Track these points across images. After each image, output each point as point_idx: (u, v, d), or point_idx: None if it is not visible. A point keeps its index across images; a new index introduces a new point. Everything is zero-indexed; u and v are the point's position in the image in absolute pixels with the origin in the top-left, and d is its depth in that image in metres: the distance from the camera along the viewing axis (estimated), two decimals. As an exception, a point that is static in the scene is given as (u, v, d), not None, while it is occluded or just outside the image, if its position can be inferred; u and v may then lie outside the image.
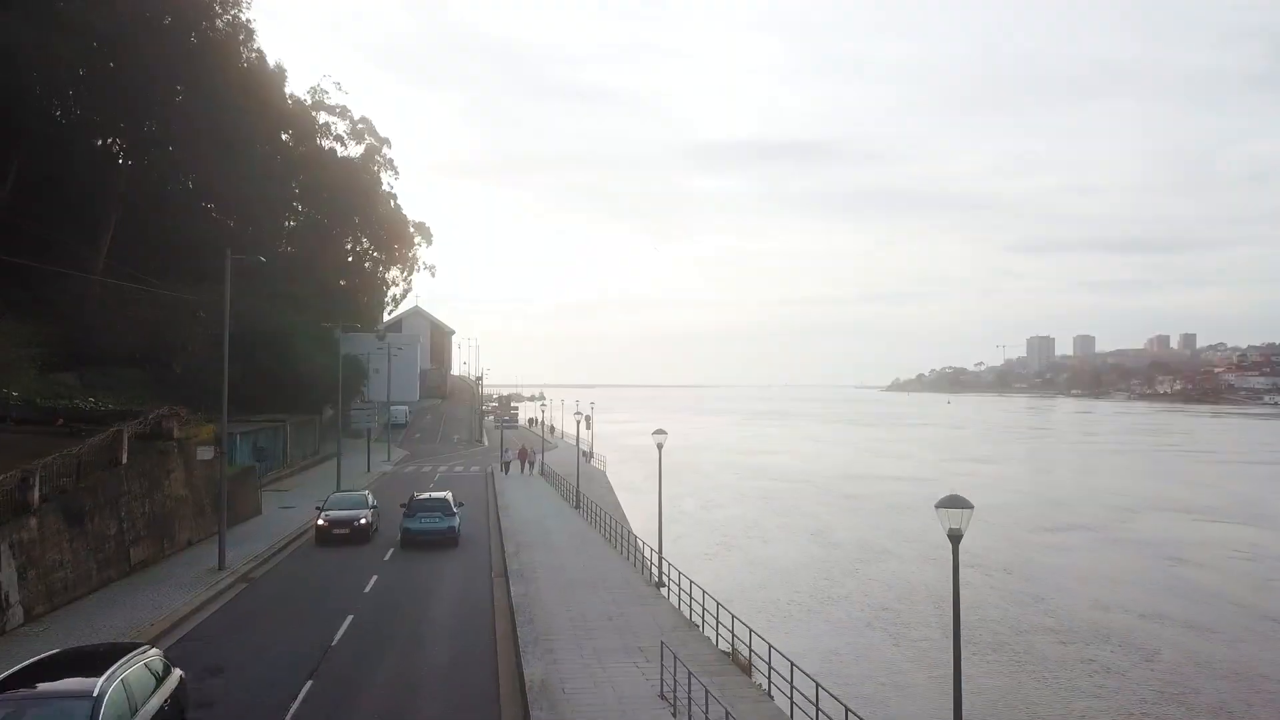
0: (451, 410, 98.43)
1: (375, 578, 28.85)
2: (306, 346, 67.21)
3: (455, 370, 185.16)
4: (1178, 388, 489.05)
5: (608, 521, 36.03)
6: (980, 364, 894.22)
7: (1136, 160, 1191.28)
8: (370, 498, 38.71)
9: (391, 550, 33.92)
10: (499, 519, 38.79)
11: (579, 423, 62.45)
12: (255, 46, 79.64)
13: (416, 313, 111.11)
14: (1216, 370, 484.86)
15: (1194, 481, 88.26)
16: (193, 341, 43.62)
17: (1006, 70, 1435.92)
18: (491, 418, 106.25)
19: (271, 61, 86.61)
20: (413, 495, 36.08)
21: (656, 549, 30.16)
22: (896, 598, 39.59)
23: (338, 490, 42.42)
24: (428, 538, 32.91)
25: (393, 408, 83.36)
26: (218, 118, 59.39)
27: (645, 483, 77.30)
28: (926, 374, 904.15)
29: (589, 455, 64.30)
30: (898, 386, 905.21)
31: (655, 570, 28.88)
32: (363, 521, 35.34)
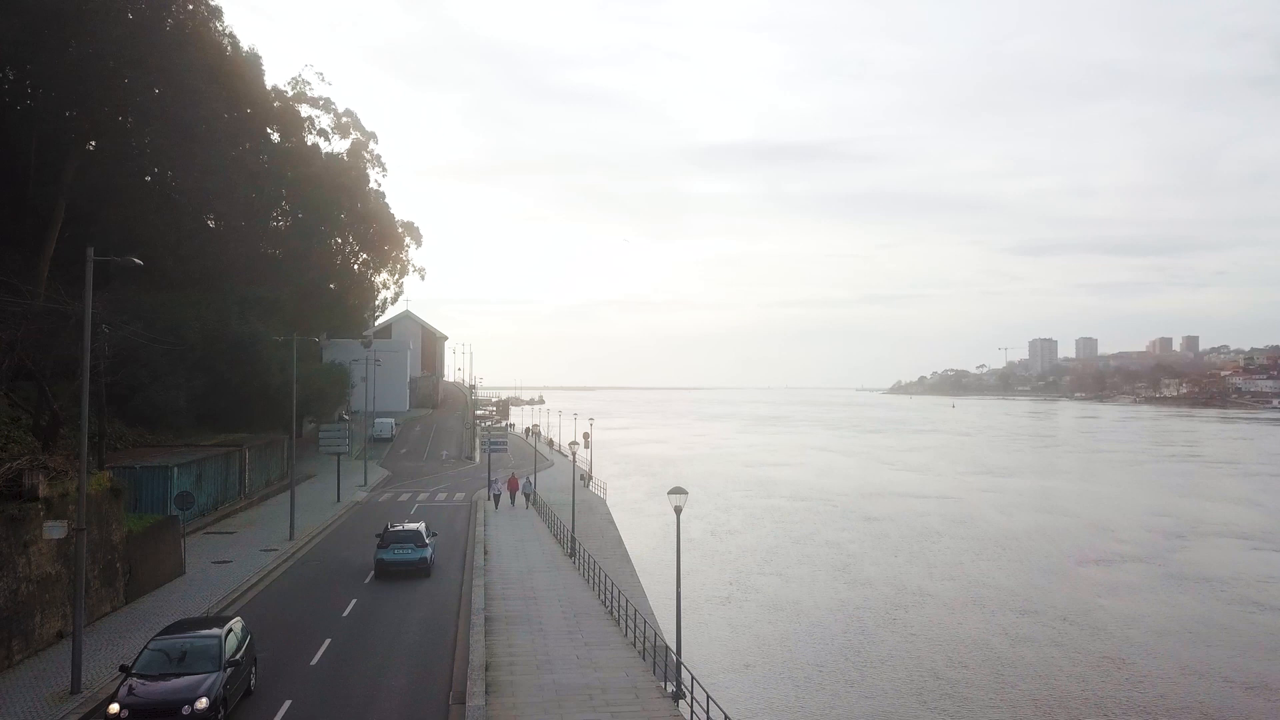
0: (443, 421, 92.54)
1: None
2: (280, 356, 61.37)
3: (449, 376, 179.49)
4: (1184, 391, 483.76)
5: (608, 583, 30.09)
6: (982, 366, 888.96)
7: (1137, 162, 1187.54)
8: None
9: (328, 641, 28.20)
10: (475, 577, 31.79)
11: (575, 449, 57.01)
12: (224, 29, 74.20)
13: (407, 317, 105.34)
14: (1223, 374, 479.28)
15: (1232, 498, 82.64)
16: (101, 358, 36.67)
17: (1007, 72, 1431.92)
18: (485, 423, 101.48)
19: (245, 46, 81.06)
20: (387, 525, 35.93)
21: (671, 642, 24.44)
22: (946, 660, 33.87)
23: (290, 535, 36.52)
24: (401, 568, 32.87)
25: (377, 421, 77.56)
26: (181, 104, 53.86)
27: (649, 502, 71.68)
28: (928, 376, 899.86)
29: (587, 478, 58.40)
30: (899, 389, 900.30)
31: (668, 660, 22.95)
32: None
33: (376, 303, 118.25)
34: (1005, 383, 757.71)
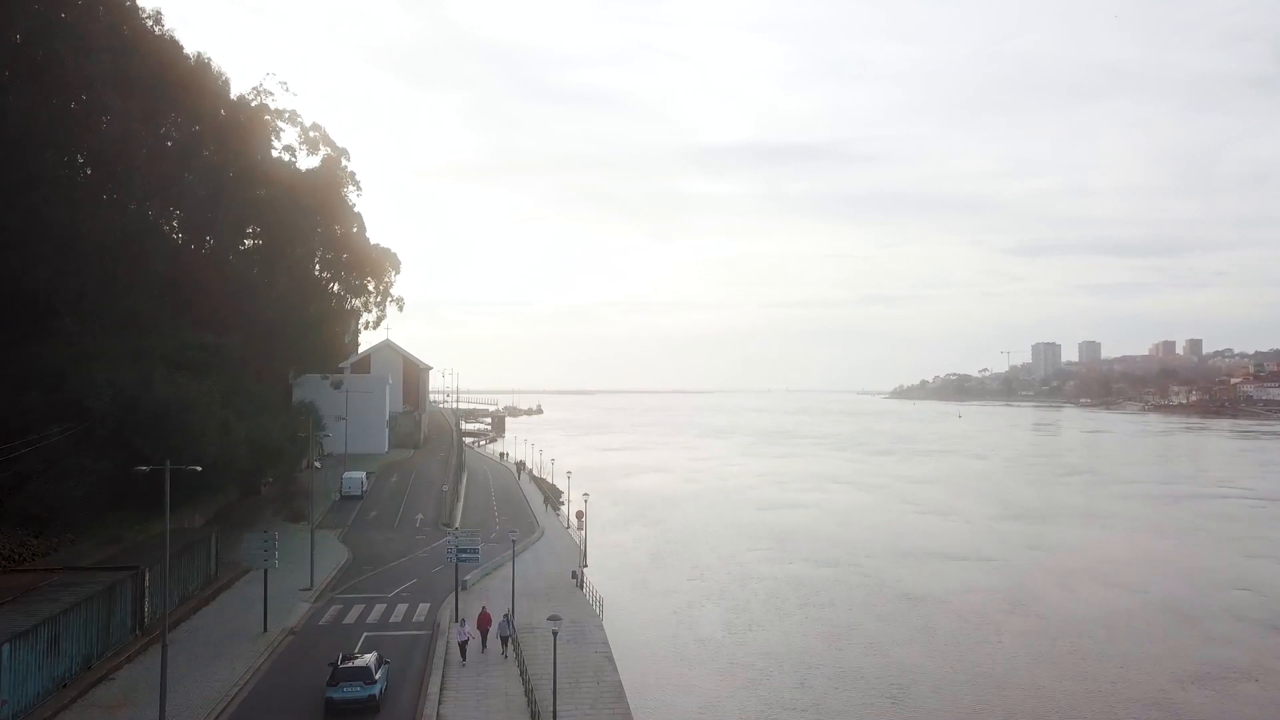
0: (424, 466, 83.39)
1: None
2: (220, 418, 52.26)
3: (437, 389, 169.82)
4: (1193, 399, 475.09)
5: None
6: (985, 370, 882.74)
7: (1137, 162, 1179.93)
8: None
9: None
10: None
11: (570, 511, 48.11)
12: (166, 33, 65.34)
13: (387, 347, 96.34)
14: (1232, 381, 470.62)
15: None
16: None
17: (1006, 72, 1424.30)
18: (477, 442, 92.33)
19: (198, 52, 72.22)
20: (339, 657, 33.27)
21: None
22: None
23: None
24: (350, 706, 31.03)
25: (346, 476, 68.54)
26: (94, 112, 44.98)
27: (653, 576, 61.41)
28: (929, 380, 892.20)
29: (580, 574, 48.74)
30: (901, 393, 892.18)
31: None
32: None
33: (357, 328, 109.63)
34: (1008, 387, 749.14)
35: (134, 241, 55.34)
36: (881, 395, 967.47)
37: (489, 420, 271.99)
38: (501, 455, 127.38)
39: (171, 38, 73.96)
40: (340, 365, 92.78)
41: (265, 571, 38.40)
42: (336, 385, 79.03)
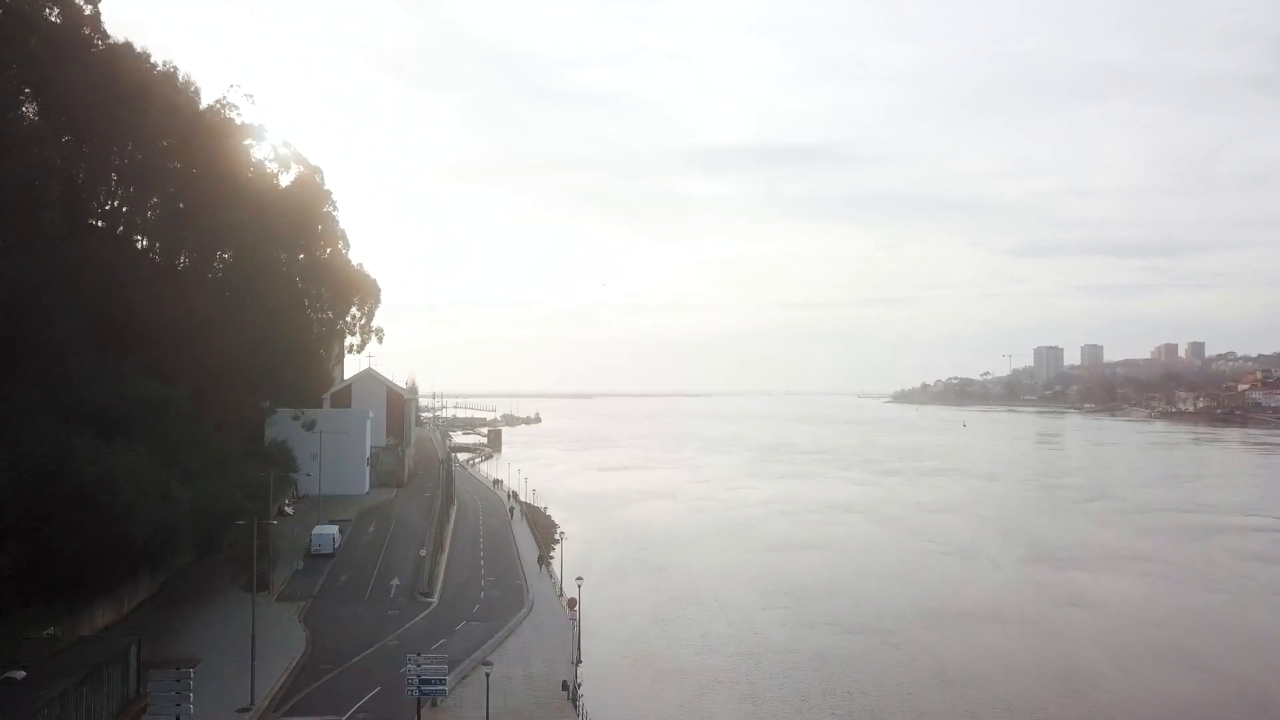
0: (406, 511, 76.44)
1: None
2: (159, 483, 45.40)
3: (434, 392, 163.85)
4: (1200, 406, 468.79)
5: None
6: (987, 374, 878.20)
7: (1137, 162, 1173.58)
8: None
9: None
10: None
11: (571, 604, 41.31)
12: (118, 40, 58.70)
13: (370, 376, 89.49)
14: (1240, 388, 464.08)
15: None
16: None
17: (1006, 72, 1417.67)
18: (471, 461, 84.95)
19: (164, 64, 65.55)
20: None
21: None
22: None
23: None
24: None
25: (316, 533, 61.70)
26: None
27: (672, 695, 53.37)
28: (931, 384, 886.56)
29: (573, 687, 41.57)
30: (902, 397, 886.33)
31: None
32: None
33: (342, 350, 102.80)
34: (1011, 391, 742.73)
35: (69, 271, 48.62)
36: (882, 399, 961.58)
37: (485, 432, 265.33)
38: (496, 482, 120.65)
39: (124, 43, 67.46)
40: (320, 396, 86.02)
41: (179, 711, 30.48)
42: (308, 427, 72.19)
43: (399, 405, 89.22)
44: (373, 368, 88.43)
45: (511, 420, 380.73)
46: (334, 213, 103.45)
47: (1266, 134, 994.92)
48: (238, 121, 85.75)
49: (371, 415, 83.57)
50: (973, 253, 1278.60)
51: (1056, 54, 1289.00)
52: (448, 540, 71.52)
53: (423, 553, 57.73)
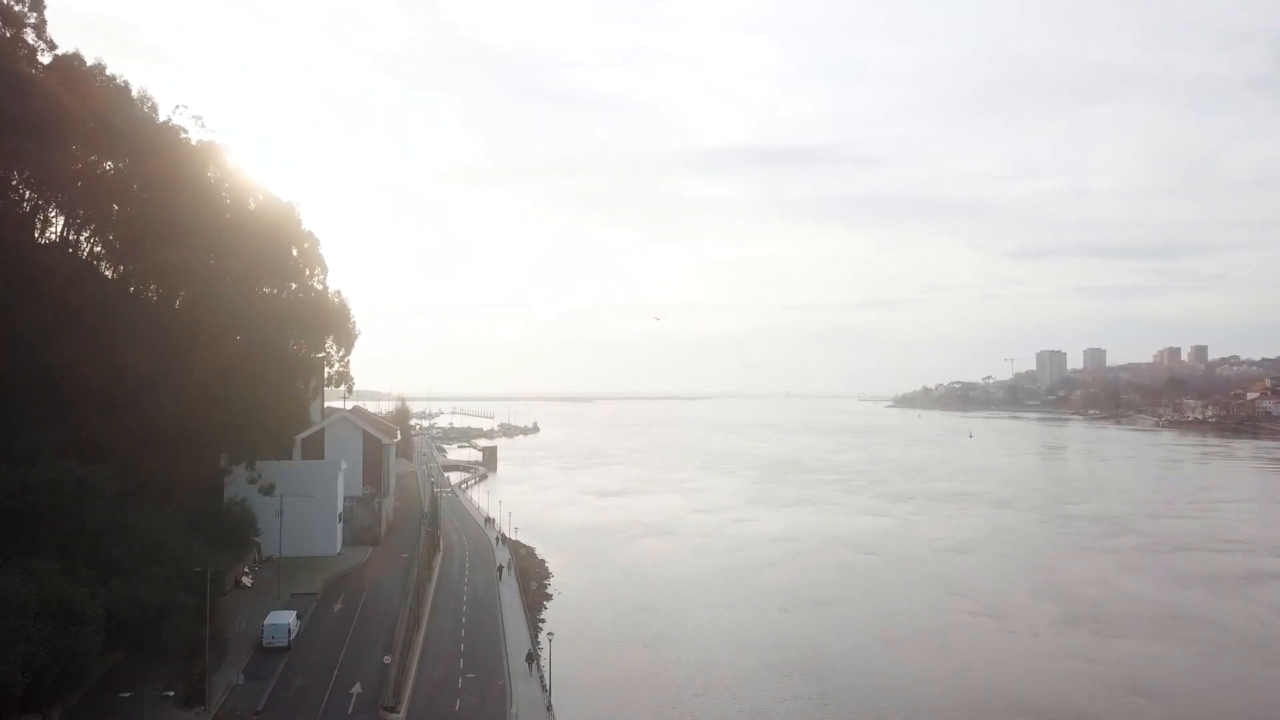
0: (380, 579, 68.40)
1: None
2: (63, 599, 37.80)
3: (430, 395, 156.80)
4: (1209, 414, 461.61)
5: None
6: (989, 378, 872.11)
7: (1137, 164, 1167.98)
8: None
9: None
10: None
11: None
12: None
13: (344, 421, 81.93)
14: (1250, 396, 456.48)
15: None
16: None
17: (1006, 73, 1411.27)
18: (455, 490, 75.92)
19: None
20: None
21: None
22: None
23: None
24: None
25: (269, 622, 53.96)
26: None
27: None
28: (932, 387, 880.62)
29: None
30: (904, 401, 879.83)
31: None
32: None
33: (320, 384, 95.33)
34: (1014, 396, 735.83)
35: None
36: (884, 403, 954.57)
37: (480, 447, 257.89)
38: (488, 521, 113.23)
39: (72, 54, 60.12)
40: (289, 442, 78.44)
41: None
42: (266, 491, 64.58)
43: (377, 451, 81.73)
44: (347, 413, 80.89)
45: (509, 430, 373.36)
46: (308, 235, 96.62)
47: (1266, 135, 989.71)
48: (193, 141, 78.57)
49: (345, 466, 76.06)
50: (973, 254, 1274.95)
51: (1056, 55, 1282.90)
52: (425, 615, 63.92)
53: (387, 660, 50.09)
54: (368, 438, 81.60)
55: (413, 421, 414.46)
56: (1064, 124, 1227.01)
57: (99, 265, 59.17)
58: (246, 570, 65.93)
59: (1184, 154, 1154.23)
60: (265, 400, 64.94)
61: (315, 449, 79.39)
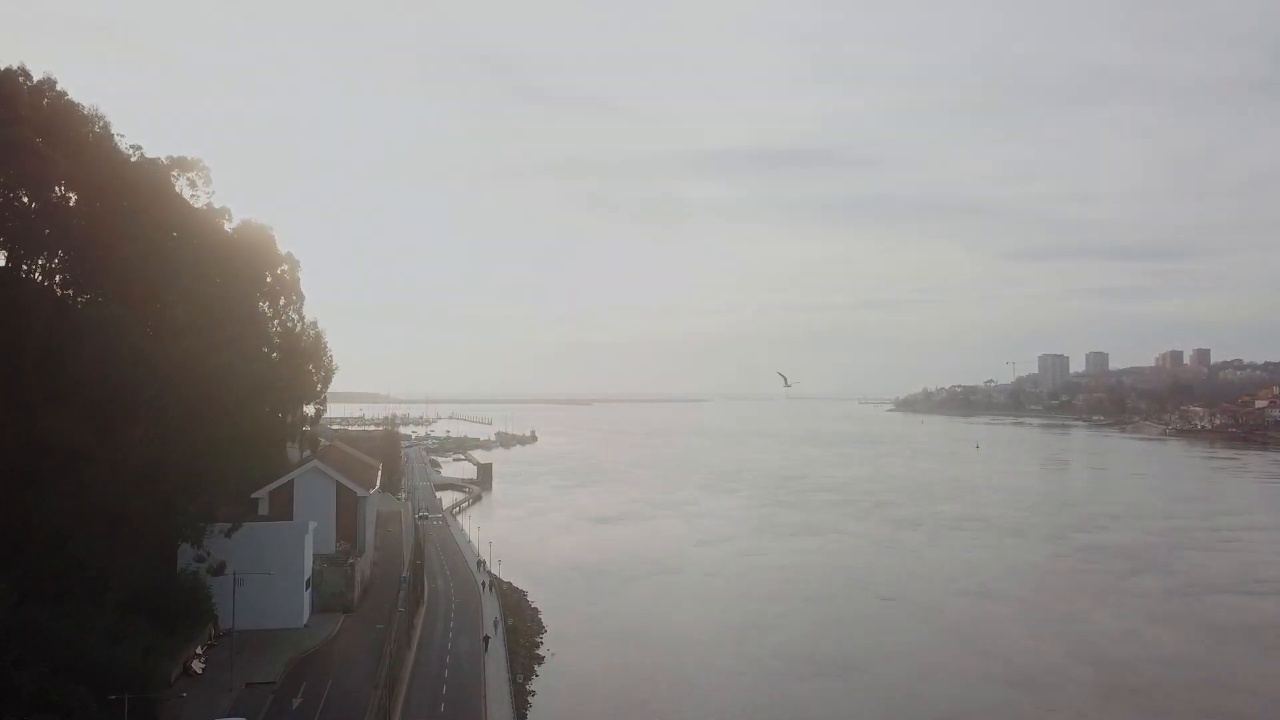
0: (349, 660, 61.19)
1: None
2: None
3: (427, 397, 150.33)
4: (1217, 422, 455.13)
5: None
6: (990, 381, 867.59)
7: (1136, 166, 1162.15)
8: None
9: None
10: None
11: None
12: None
13: (316, 473, 74.81)
14: (1259, 404, 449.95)
15: None
16: None
17: (1006, 75, 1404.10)
18: (440, 513, 67.91)
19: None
20: None
21: None
22: None
23: None
24: None
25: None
26: None
27: None
28: (933, 390, 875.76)
29: None
30: (905, 405, 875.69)
31: None
32: None
33: (299, 415, 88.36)
34: (1016, 400, 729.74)
35: None
36: (885, 406, 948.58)
37: (477, 462, 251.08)
38: (480, 564, 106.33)
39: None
40: (254, 496, 71.42)
41: None
42: (215, 571, 57.38)
43: (351, 505, 74.64)
44: (318, 463, 73.80)
45: (506, 441, 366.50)
46: (287, 257, 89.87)
47: (1266, 137, 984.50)
48: (162, 160, 71.86)
49: (314, 525, 69.01)
50: (972, 256, 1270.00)
51: (1055, 58, 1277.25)
52: (399, 704, 56.95)
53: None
54: (342, 490, 74.51)
55: (408, 430, 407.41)
56: (1063, 126, 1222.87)
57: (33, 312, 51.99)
58: (199, 651, 58.88)
59: (1183, 156, 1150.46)
60: (220, 467, 57.82)
61: (283, 503, 72.27)
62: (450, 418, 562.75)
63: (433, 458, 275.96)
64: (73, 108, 65.68)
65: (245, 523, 63.27)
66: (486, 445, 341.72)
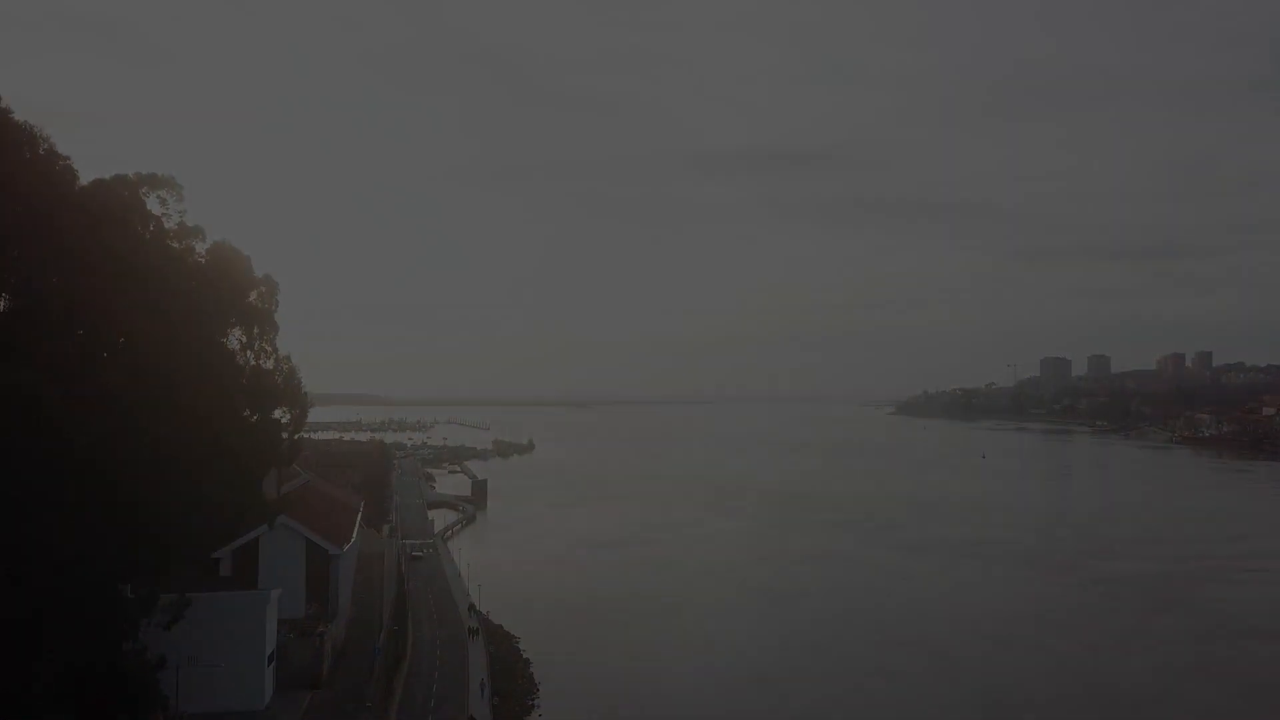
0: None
1: None
2: None
3: (424, 400, 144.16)
4: (1224, 430, 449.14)
5: None
6: (992, 384, 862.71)
7: (1136, 167, 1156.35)
8: None
9: None
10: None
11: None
12: None
13: (284, 529, 68.10)
14: (1267, 411, 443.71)
15: None
16: None
17: (1005, 76, 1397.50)
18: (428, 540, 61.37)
19: None
20: None
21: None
22: None
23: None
24: None
25: None
26: None
27: None
28: (934, 393, 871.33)
29: None
30: (906, 408, 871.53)
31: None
32: None
33: (272, 460, 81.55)
34: (1018, 404, 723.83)
35: None
36: (886, 408, 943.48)
37: (473, 475, 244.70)
38: (471, 608, 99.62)
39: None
40: (214, 556, 64.77)
41: None
42: (155, 665, 50.89)
43: (322, 564, 67.98)
44: (287, 518, 67.12)
45: (504, 449, 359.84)
46: (265, 279, 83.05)
47: (1266, 137, 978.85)
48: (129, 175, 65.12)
49: (279, 592, 62.39)
50: (972, 256, 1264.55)
51: (1055, 58, 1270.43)
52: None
53: None
54: (312, 549, 67.83)
55: (403, 437, 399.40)
56: (1063, 127, 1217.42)
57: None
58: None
59: (1183, 156, 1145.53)
60: (165, 539, 51.16)
61: (247, 565, 65.61)
62: (448, 421, 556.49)
63: (427, 470, 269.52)
64: (12, 126, 59.01)
65: (197, 595, 56.50)
66: (483, 455, 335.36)
